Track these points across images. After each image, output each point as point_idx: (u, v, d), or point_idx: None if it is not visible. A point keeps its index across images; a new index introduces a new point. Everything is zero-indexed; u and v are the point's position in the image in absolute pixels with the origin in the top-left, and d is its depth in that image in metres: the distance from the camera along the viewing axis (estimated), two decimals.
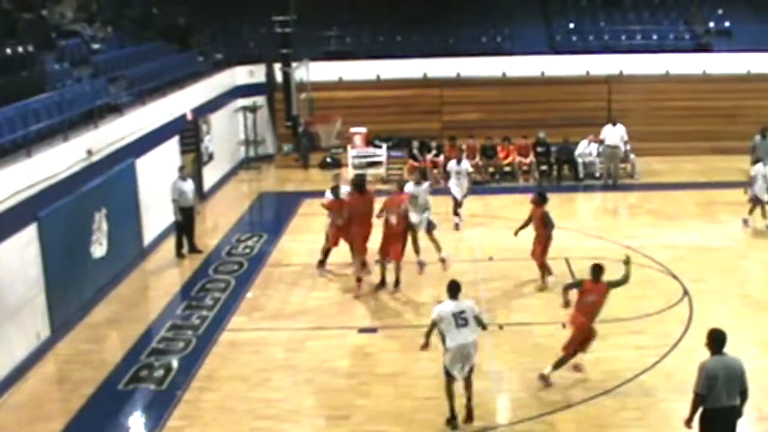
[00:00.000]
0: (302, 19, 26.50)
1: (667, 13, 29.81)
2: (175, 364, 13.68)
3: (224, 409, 12.14)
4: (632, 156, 24.48)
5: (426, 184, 17.46)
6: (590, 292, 12.31)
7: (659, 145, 26.15)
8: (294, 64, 26.39)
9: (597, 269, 12.40)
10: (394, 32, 29.30)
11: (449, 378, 11.47)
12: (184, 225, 18.69)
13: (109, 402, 12.52)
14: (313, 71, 26.87)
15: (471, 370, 11.49)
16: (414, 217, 16.42)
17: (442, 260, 16.74)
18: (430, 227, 16.94)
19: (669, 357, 13.18)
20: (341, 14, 29.42)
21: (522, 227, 16.31)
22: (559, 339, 13.91)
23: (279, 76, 27.00)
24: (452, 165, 20.58)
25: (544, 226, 16.00)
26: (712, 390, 9.34)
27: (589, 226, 20.27)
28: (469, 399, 11.54)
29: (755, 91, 26.85)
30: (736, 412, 9.55)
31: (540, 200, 16.22)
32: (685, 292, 15.70)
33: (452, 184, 20.36)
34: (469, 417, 11.55)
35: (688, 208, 21.45)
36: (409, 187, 16.91)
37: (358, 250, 16.32)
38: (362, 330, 14.73)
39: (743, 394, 9.50)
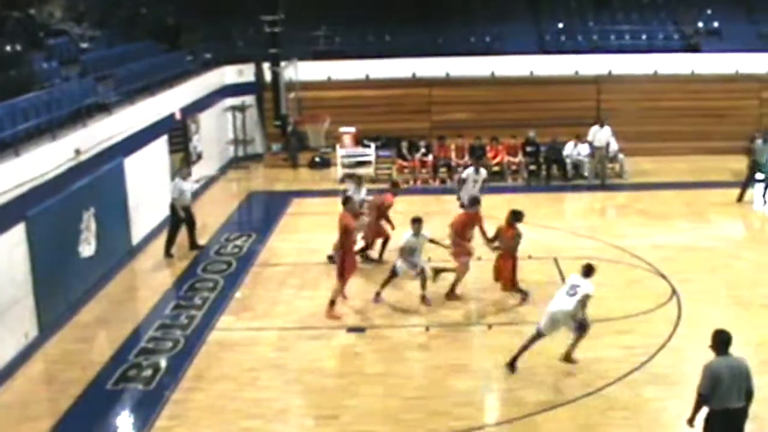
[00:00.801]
0: (291, 18, 26.50)
1: (657, 13, 29.87)
2: (163, 363, 13.64)
3: (213, 409, 12.12)
4: (621, 156, 24.50)
5: (427, 234, 15.51)
6: None
7: (648, 144, 26.17)
8: (283, 64, 26.41)
9: None
10: (383, 32, 29.28)
11: (538, 331, 12.68)
12: (187, 223, 18.75)
13: (97, 402, 12.47)
14: (302, 71, 26.88)
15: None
16: (402, 264, 15.41)
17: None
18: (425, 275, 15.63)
19: (657, 356, 13.20)
20: (330, 14, 29.35)
21: (491, 240, 15.49)
22: (548, 339, 13.93)
23: (268, 76, 27.01)
24: (470, 173, 19.41)
25: (513, 245, 15.24)
26: (717, 391, 9.28)
27: (578, 226, 20.28)
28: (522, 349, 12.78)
29: (744, 92, 26.94)
30: (743, 413, 9.48)
31: (514, 219, 15.22)
32: (674, 292, 15.71)
33: (467, 191, 18.92)
34: (514, 359, 12.81)
35: (677, 208, 21.47)
36: (407, 237, 15.40)
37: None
38: (351, 330, 14.70)
39: (748, 394, 9.45)
